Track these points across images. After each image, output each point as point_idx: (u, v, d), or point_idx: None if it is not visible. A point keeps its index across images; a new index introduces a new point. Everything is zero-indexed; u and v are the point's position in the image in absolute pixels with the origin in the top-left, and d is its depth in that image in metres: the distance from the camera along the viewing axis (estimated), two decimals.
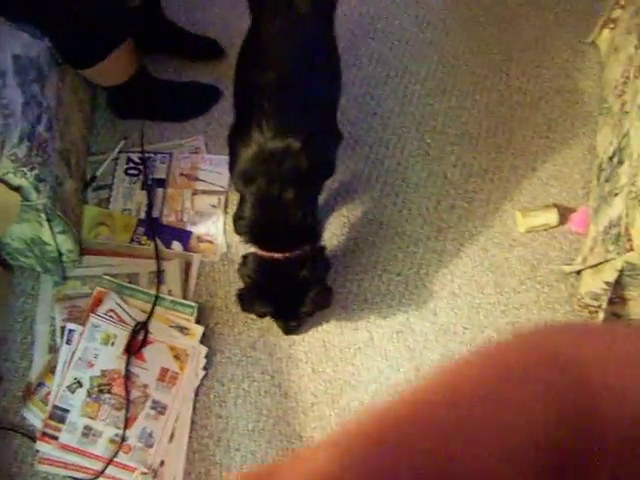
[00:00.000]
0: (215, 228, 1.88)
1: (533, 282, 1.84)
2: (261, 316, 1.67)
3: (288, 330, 1.70)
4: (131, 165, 1.92)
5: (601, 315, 1.70)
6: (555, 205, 1.89)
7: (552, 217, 1.87)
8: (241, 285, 1.61)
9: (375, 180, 1.97)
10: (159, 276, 1.78)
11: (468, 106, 2.07)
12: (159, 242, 1.83)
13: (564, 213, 1.89)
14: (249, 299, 1.59)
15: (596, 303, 1.71)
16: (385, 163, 1.98)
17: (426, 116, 2.05)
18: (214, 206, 1.90)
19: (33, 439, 1.61)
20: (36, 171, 1.49)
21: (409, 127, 2.04)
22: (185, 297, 1.78)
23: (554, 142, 2.03)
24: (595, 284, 1.68)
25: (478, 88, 2.11)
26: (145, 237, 1.84)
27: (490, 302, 1.81)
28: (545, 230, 1.89)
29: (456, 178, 1.97)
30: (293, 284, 1.54)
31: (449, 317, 1.79)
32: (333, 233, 1.88)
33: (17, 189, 1.48)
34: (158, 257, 1.80)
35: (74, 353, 1.65)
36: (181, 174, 1.93)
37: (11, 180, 1.46)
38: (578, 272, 1.81)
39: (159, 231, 1.85)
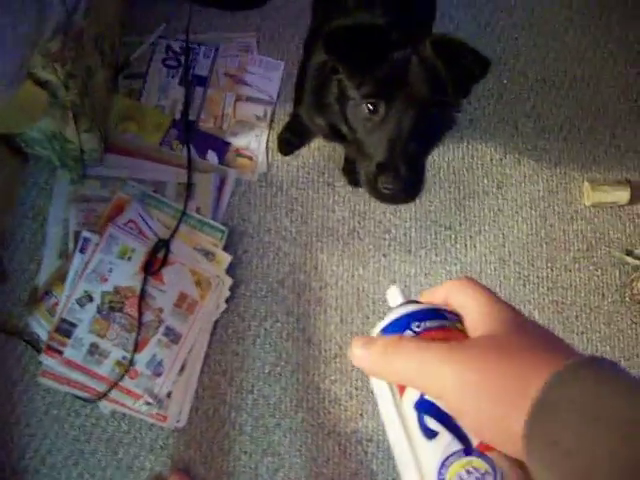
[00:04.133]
0: (257, 143, 1.65)
1: (587, 262, 1.70)
2: None
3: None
4: (170, 55, 1.65)
5: None
6: (629, 181, 1.72)
7: (623, 195, 1.70)
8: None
9: None
10: (189, 189, 1.58)
11: (557, 47, 1.82)
12: (193, 150, 1.62)
13: (637, 193, 1.72)
14: None
15: None
16: None
17: (508, 51, 1.80)
18: (259, 117, 1.66)
19: (37, 349, 1.48)
20: (68, 67, 1.26)
21: None
22: (215, 218, 1.60)
23: None
24: None
25: (572, 26, 1.86)
26: (177, 142, 1.61)
27: (538, 276, 1.68)
28: (611, 207, 1.73)
29: (527, 130, 1.76)
30: None
31: (493, 284, 1.66)
32: None
33: (44, 84, 1.26)
34: (190, 167, 1.59)
35: (87, 264, 1.48)
36: (226, 74, 1.67)
37: (39, 74, 1.23)
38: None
39: (194, 137, 1.63)
